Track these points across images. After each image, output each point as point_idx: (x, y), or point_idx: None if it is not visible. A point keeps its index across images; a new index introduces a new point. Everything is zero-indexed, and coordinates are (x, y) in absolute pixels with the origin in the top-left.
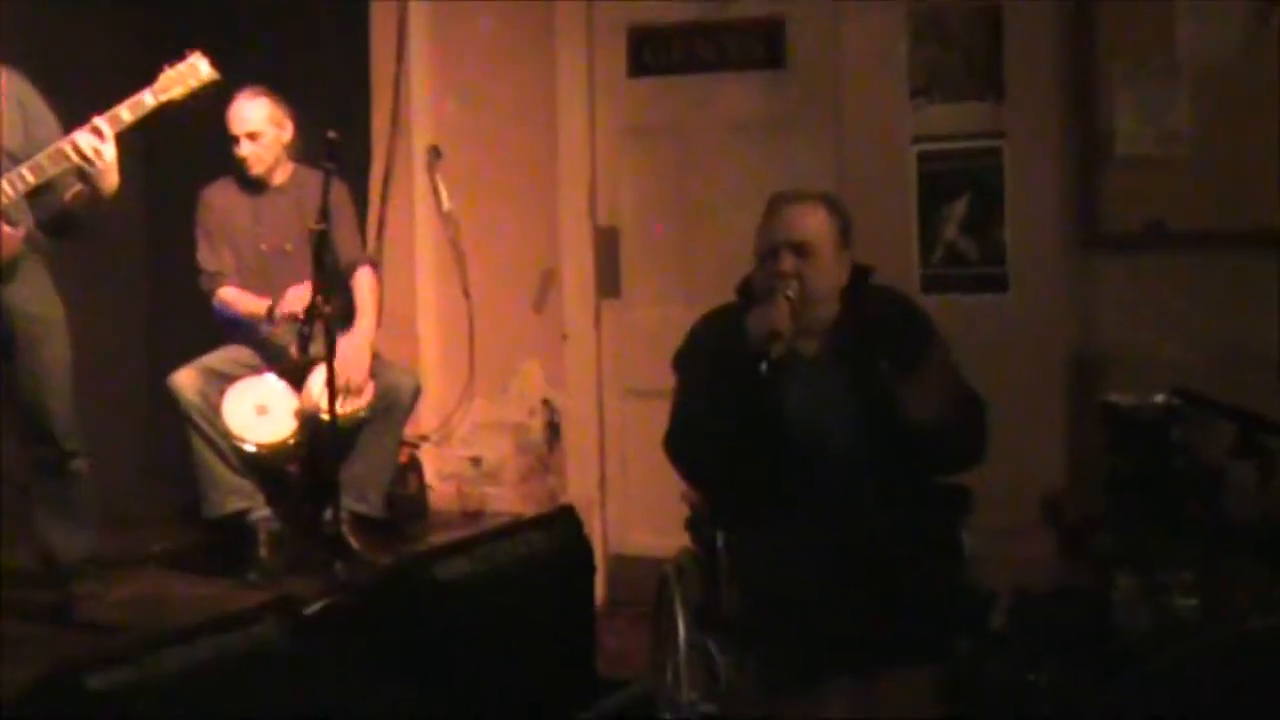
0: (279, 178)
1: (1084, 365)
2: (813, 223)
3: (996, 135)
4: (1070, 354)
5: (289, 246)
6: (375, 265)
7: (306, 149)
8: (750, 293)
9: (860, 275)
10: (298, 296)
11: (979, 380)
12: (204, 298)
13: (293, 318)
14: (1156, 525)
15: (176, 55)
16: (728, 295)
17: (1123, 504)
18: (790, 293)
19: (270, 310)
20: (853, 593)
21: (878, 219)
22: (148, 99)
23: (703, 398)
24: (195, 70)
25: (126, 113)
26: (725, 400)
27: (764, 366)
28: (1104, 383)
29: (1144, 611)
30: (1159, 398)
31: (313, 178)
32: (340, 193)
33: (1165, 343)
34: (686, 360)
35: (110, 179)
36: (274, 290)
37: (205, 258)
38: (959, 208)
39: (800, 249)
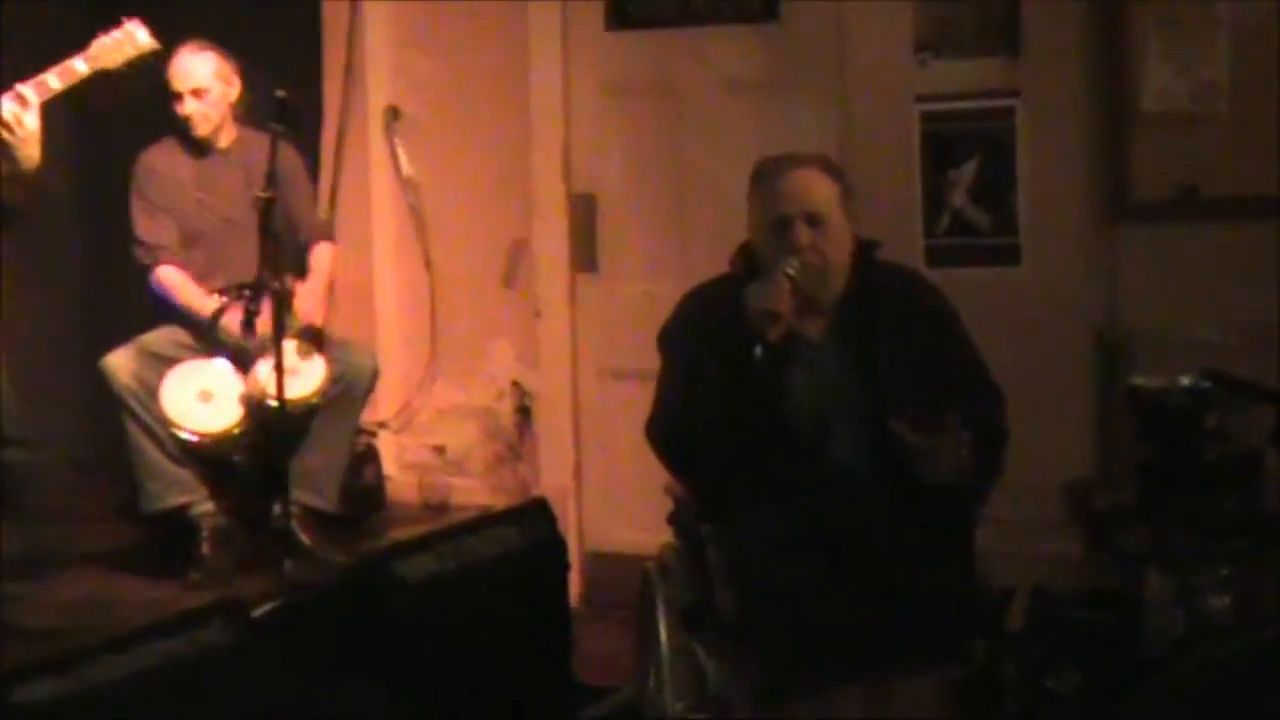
0: (225, 140)
1: (1108, 346)
2: (822, 189)
3: (1010, 93)
4: (1093, 334)
5: (236, 216)
6: (334, 240)
7: (253, 110)
8: (747, 264)
9: (866, 250)
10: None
11: (991, 365)
12: (141, 272)
13: (237, 293)
14: (1189, 519)
15: (113, 21)
16: (716, 269)
17: (1152, 496)
18: (791, 270)
19: (215, 315)
20: (855, 590)
21: (879, 185)
22: (79, 66)
23: (691, 380)
24: (132, 38)
25: (55, 80)
26: (716, 383)
27: (759, 351)
28: (1131, 365)
29: (1175, 613)
30: (1190, 381)
31: (261, 141)
32: (291, 158)
33: (1198, 321)
34: (673, 338)
35: (30, 151)
36: (221, 266)
37: (144, 228)
38: (968, 173)
39: (814, 219)
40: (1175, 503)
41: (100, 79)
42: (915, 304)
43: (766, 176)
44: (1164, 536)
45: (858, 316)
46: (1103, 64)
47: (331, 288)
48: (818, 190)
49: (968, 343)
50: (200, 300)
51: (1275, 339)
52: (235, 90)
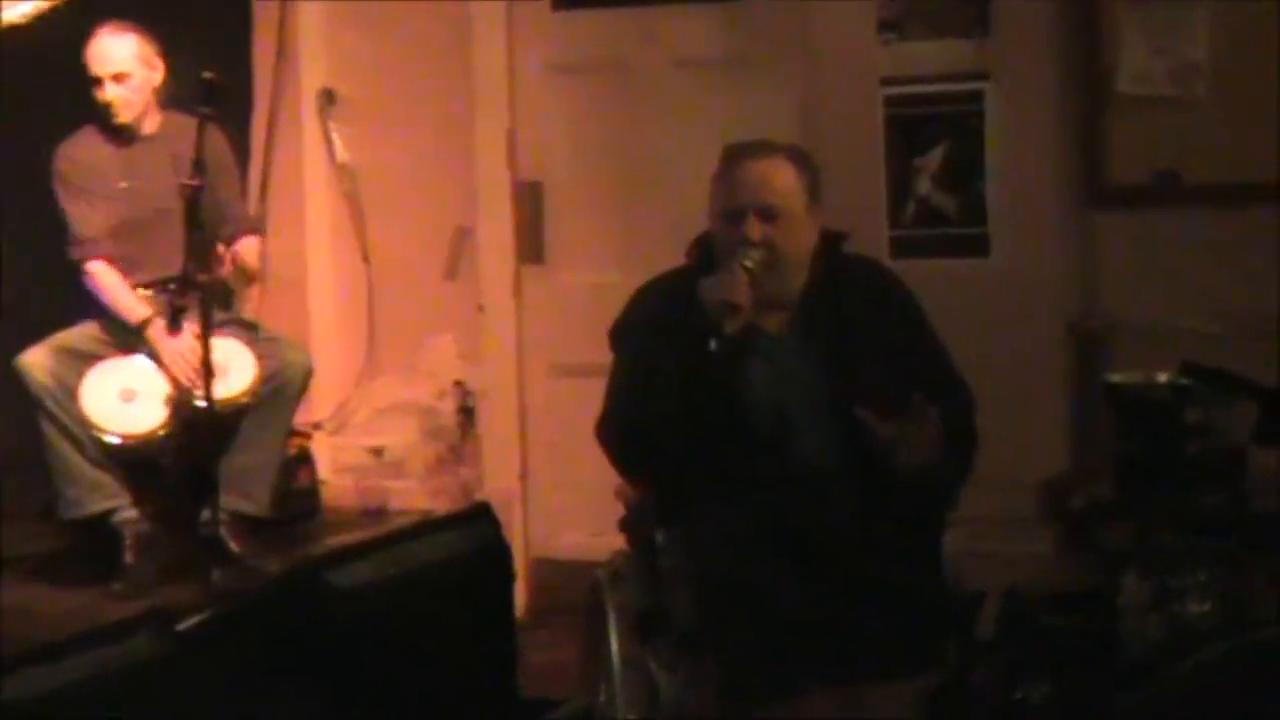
0: (149, 126)
1: (1085, 339)
2: (781, 181)
3: (980, 75)
4: (1068, 327)
5: (166, 205)
6: (262, 233)
7: (179, 94)
8: (704, 256)
9: (832, 242)
10: (185, 346)
11: (960, 361)
12: (63, 266)
13: (161, 286)
14: (1169, 517)
15: None
16: (671, 261)
17: (1130, 495)
18: (749, 262)
19: (144, 322)
20: (819, 592)
21: (842, 172)
22: None
23: (645, 377)
24: None
25: None
26: (672, 380)
27: (714, 343)
28: (1108, 359)
29: (1154, 618)
30: (1170, 375)
31: (188, 127)
32: (219, 144)
33: (1178, 312)
34: (626, 333)
35: None
36: (151, 258)
37: (78, 221)
38: (935, 159)
39: (769, 212)
40: (1155, 501)
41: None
42: (881, 298)
43: (728, 164)
44: (1143, 536)
45: (822, 310)
46: (1077, 44)
47: (260, 282)
48: (777, 181)
49: (935, 340)
50: (129, 305)
51: (1260, 330)
52: (159, 74)
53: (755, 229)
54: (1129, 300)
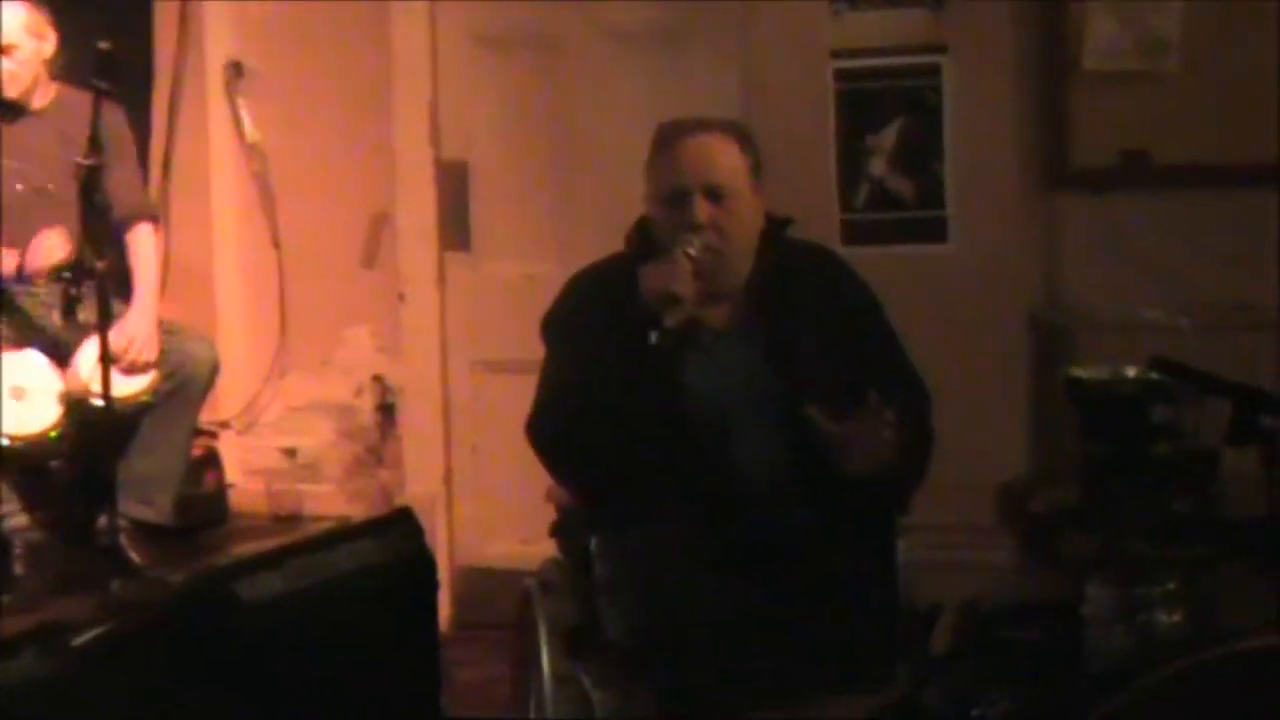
0: (39, 101)
1: (1047, 331)
2: (725, 159)
3: (936, 48)
4: (1029, 318)
5: (51, 185)
6: (157, 220)
7: (73, 67)
8: (643, 243)
9: (775, 227)
10: (54, 245)
11: (915, 353)
12: None
13: (54, 274)
14: (1136, 523)
15: None
16: (606, 248)
17: (1095, 499)
18: (693, 250)
19: (19, 267)
20: (759, 609)
21: (789, 152)
22: None
23: (579, 372)
24: None
25: None
26: (607, 376)
27: (654, 336)
28: (1071, 352)
29: (1120, 629)
30: (1137, 370)
31: (80, 101)
32: (116, 120)
33: (1146, 302)
34: (559, 325)
35: None
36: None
37: None
38: (889, 138)
39: (715, 192)
40: (1121, 505)
41: None
42: (831, 288)
43: (665, 143)
44: (1109, 543)
45: (767, 301)
46: (1040, 15)
47: (164, 274)
48: (722, 160)
49: (888, 332)
50: (4, 258)
51: (1234, 322)
52: (50, 45)
53: (703, 211)
54: (1094, 290)
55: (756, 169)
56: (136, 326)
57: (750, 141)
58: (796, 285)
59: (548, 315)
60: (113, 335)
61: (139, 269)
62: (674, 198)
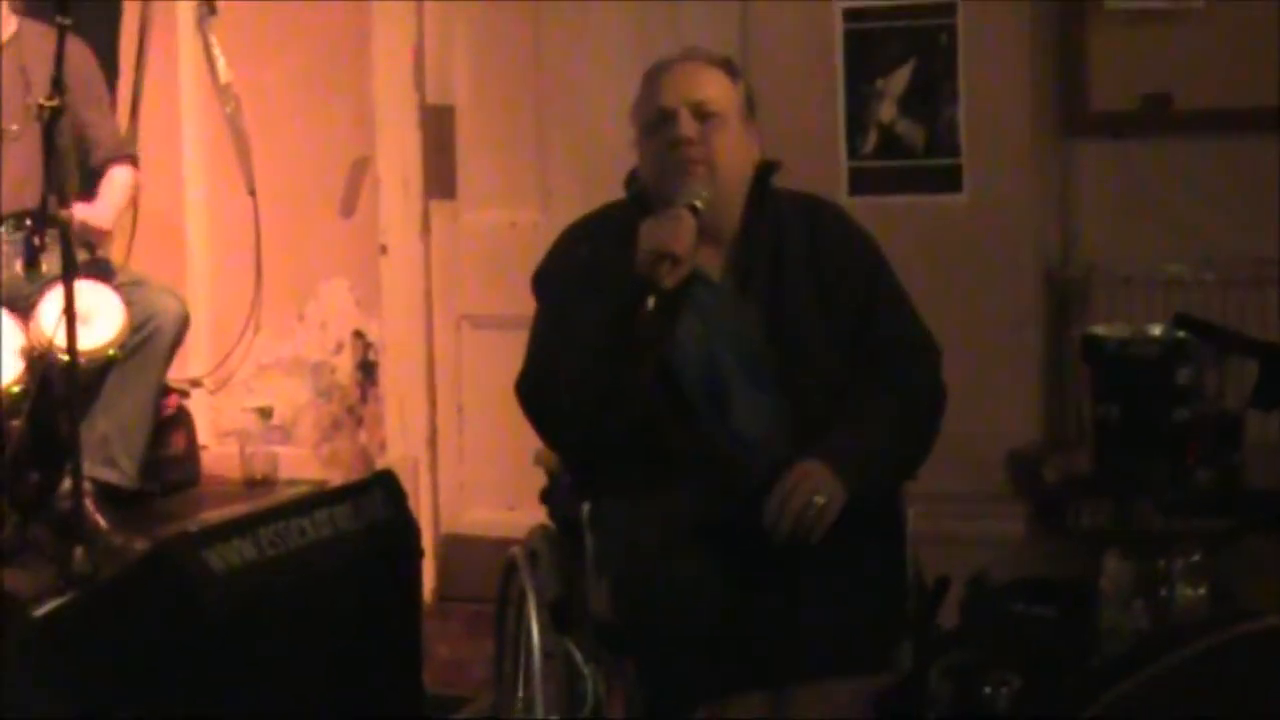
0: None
1: (1063, 287)
2: (713, 84)
3: None
4: (1044, 273)
5: (14, 126)
6: (137, 162)
7: (33, 12)
8: (638, 193)
9: (762, 172)
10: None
11: (924, 310)
12: None
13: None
14: (1155, 493)
15: None
16: (598, 196)
17: (1112, 465)
18: (698, 201)
19: None
20: (761, 579)
21: (791, 97)
22: None
23: (573, 328)
24: None
25: None
26: (604, 332)
27: (651, 301)
28: (1089, 310)
29: (1138, 606)
30: (1158, 329)
31: (43, 35)
32: (82, 57)
33: (1168, 256)
34: (553, 278)
35: None
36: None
37: None
38: (898, 81)
39: (702, 109)
40: (1139, 474)
41: None
42: (831, 243)
43: (649, 76)
44: (1125, 514)
45: (760, 254)
46: None
47: (133, 216)
48: (709, 82)
49: (896, 289)
50: None
51: (1258, 278)
52: None
53: (688, 125)
54: (1113, 243)
55: (749, 106)
56: (98, 212)
57: (741, 76)
58: (793, 236)
59: (540, 267)
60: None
61: (103, 194)
62: (659, 119)
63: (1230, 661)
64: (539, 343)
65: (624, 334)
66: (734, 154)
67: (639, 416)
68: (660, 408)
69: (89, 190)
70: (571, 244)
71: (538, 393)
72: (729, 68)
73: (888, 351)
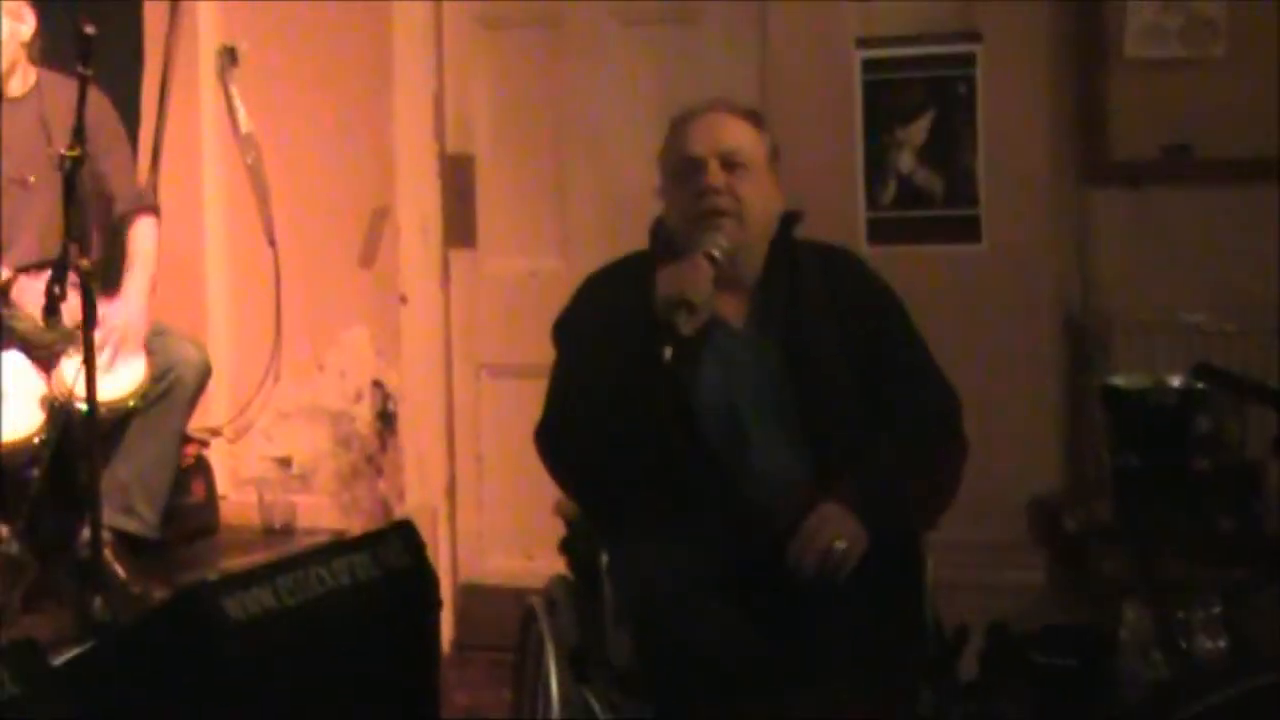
0: (18, 87)
1: (1083, 335)
2: (741, 133)
3: (970, 36)
4: (1065, 321)
5: (32, 178)
6: (159, 212)
7: (54, 50)
8: (663, 242)
9: (785, 223)
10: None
11: (943, 359)
12: None
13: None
14: (1174, 543)
15: None
16: (618, 245)
17: (1131, 514)
18: (716, 250)
19: (4, 285)
20: (780, 629)
21: (811, 146)
22: None
23: (591, 379)
24: None
25: None
26: (619, 385)
27: (668, 352)
28: (1109, 358)
29: (1158, 655)
30: (1177, 378)
31: (63, 85)
32: (103, 109)
33: (1188, 305)
34: (574, 326)
35: None
36: (13, 239)
37: None
38: (917, 131)
39: (730, 159)
40: (1159, 523)
41: None
42: (848, 289)
43: (676, 126)
44: (1145, 563)
45: (780, 301)
46: (1077, 0)
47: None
48: (737, 133)
49: (913, 337)
50: None
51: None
52: (28, 26)
53: (716, 174)
54: (1133, 292)
55: (773, 156)
56: (121, 312)
57: (766, 128)
58: (814, 284)
59: (560, 317)
60: (104, 319)
61: (133, 260)
62: (687, 168)
63: (1250, 712)
64: (558, 391)
65: (641, 381)
66: (760, 204)
67: (657, 463)
68: (680, 453)
69: (117, 243)
70: (593, 293)
71: (556, 442)
72: (755, 118)
73: (906, 399)
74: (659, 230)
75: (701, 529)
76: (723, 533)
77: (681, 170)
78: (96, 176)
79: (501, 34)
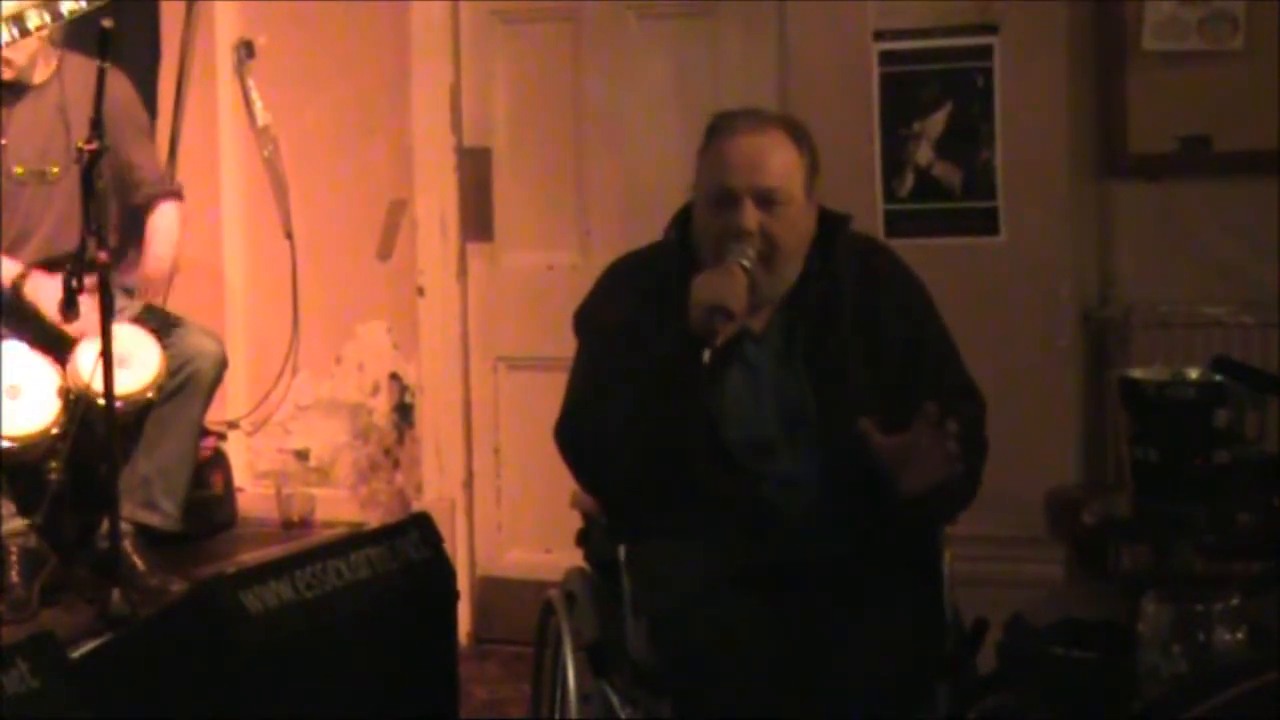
0: (40, 74)
1: (1101, 329)
2: (780, 162)
3: (987, 29)
4: (1083, 314)
5: (55, 169)
6: (182, 197)
7: (74, 35)
8: (685, 233)
9: (834, 225)
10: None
11: (962, 352)
12: None
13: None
14: (1195, 536)
15: None
16: (635, 238)
17: (1150, 508)
18: (746, 261)
19: (19, 280)
20: (798, 624)
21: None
22: None
23: (613, 375)
24: None
25: None
26: (649, 383)
27: (707, 356)
28: (1128, 352)
29: (1177, 649)
30: (1198, 372)
31: (85, 69)
32: (125, 95)
33: (1207, 298)
34: (593, 319)
35: None
36: (29, 233)
37: None
38: (935, 123)
39: (767, 198)
40: (1178, 516)
41: None
42: (883, 297)
43: (717, 135)
44: (1164, 557)
45: (809, 304)
46: None
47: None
48: (776, 163)
49: (944, 338)
50: (4, 267)
51: None
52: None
53: (751, 217)
54: (1151, 285)
55: (813, 170)
56: (148, 262)
57: (807, 141)
58: (847, 293)
59: (581, 307)
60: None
61: (155, 241)
62: (723, 199)
63: (1270, 706)
64: (579, 389)
65: (669, 385)
66: (794, 234)
67: (678, 465)
68: (703, 459)
69: (135, 231)
70: (615, 285)
71: (578, 441)
72: (797, 134)
73: (933, 396)
74: (683, 221)
75: (719, 529)
76: (740, 534)
77: (716, 197)
78: (121, 166)
79: (519, 28)
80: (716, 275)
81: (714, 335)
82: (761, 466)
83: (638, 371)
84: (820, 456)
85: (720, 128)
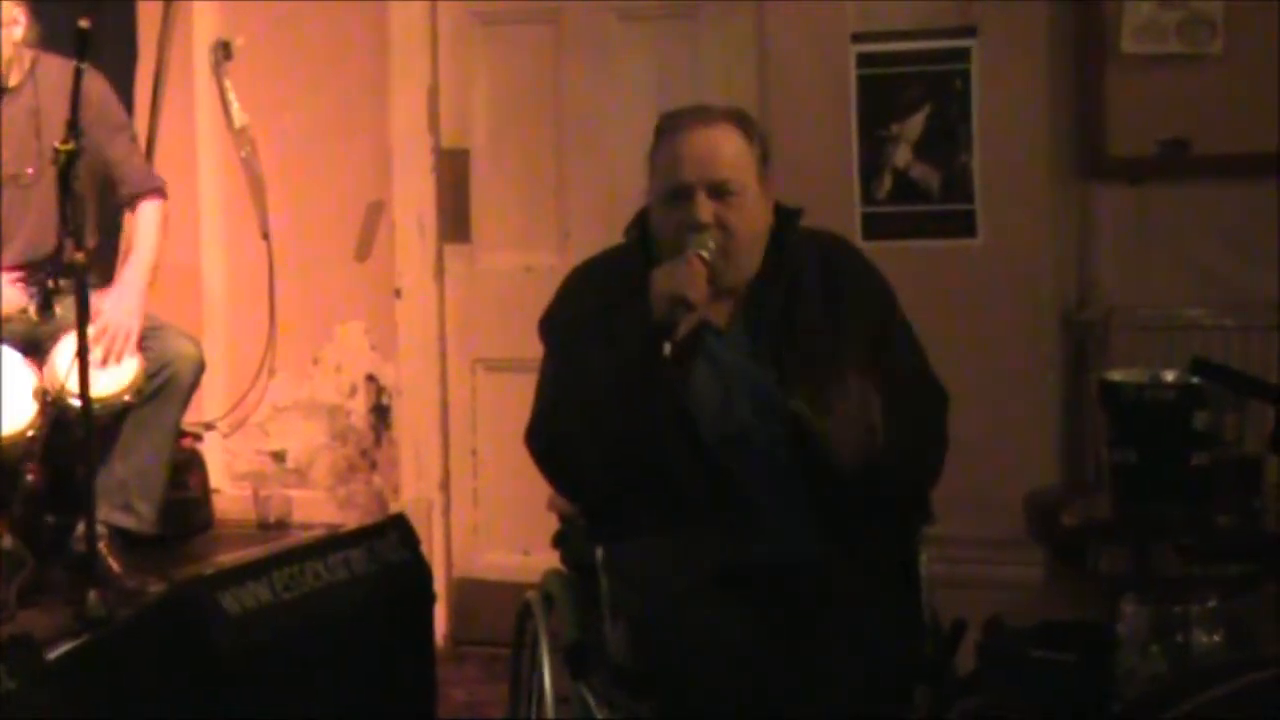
0: (14, 77)
1: (1081, 331)
2: (731, 153)
3: (966, 31)
4: (1062, 317)
5: (30, 170)
6: (165, 194)
7: (50, 37)
8: (646, 233)
9: (786, 220)
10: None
11: (940, 355)
12: None
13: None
14: (1174, 538)
15: None
16: (606, 238)
17: (1131, 510)
18: (705, 252)
19: None
20: (774, 626)
21: (806, 141)
22: None
23: (579, 376)
24: None
25: None
26: (610, 382)
27: (667, 348)
28: (1107, 354)
29: (1156, 650)
30: (1176, 374)
31: (60, 70)
32: (101, 93)
33: (1186, 301)
34: (558, 323)
35: None
36: (11, 236)
37: None
38: (913, 126)
39: (719, 189)
40: (1157, 518)
41: None
42: (845, 288)
43: (665, 134)
44: (1143, 559)
45: (773, 299)
46: None
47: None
48: (726, 153)
49: (907, 334)
50: None
51: (1277, 322)
52: (20, 28)
53: (705, 209)
54: (1130, 288)
55: (764, 160)
56: (117, 310)
57: (756, 131)
58: (809, 283)
59: (546, 313)
60: (98, 317)
61: (136, 246)
62: (676, 194)
63: (1248, 708)
64: (548, 394)
65: (635, 381)
66: (750, 223)
67: (651, 463)
68: (676, 455)
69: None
70: (577, 288)
71: (549, 447)
72: (744, 124)
73: (894, 389)
74: (641, 224)
75: (697, 530)
76: (718, 530)
77: (670, 193)
78: (101, 165)
79: (498, 28)
80: (675, 267)
81: (674, 328)
82: (736, 463)
83: (604, 370)
84: (790, 452)
85: (668, 126)
